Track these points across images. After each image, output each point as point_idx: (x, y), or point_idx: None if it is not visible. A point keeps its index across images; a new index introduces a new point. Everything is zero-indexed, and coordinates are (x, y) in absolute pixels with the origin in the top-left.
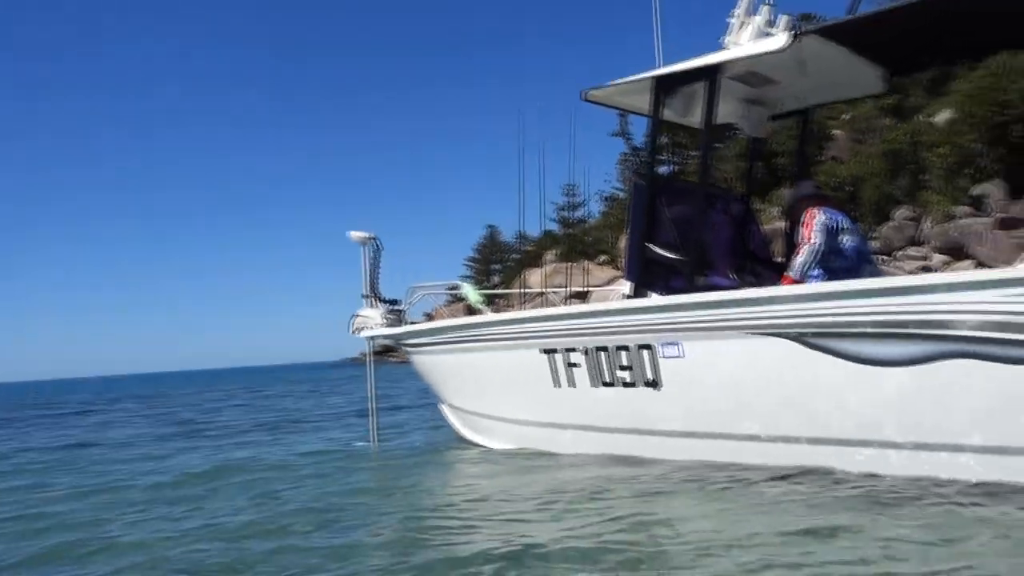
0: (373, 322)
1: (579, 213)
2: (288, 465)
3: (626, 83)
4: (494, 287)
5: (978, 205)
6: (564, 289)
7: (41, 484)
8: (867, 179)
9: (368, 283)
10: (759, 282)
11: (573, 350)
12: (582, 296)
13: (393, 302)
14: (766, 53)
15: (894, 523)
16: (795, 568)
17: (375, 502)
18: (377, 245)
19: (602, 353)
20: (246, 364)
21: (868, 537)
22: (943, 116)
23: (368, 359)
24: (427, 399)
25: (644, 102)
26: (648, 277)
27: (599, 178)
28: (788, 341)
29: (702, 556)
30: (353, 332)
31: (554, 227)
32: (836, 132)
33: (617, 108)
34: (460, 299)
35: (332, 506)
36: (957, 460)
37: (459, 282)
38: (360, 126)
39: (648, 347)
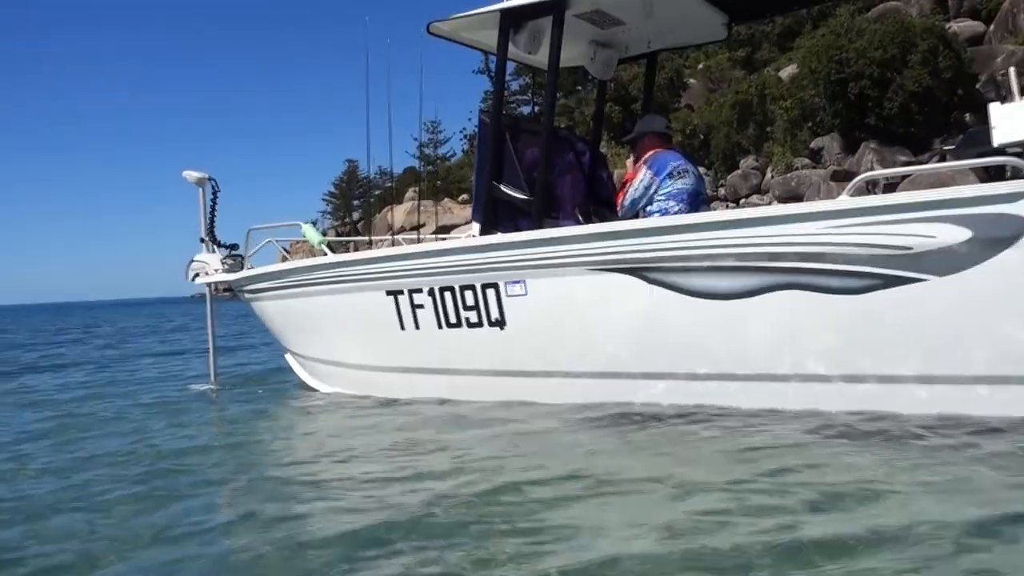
0: (211, 267)
1: (442, 151)
2: (126, 410)
3: (471, 16)
4: (355, 223)
5: (816, 158)
6: (415, 235)
7: None
8: (718, 128)
9: (205, 226)
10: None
11: (418, 291)
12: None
13: (232, 247)
14: None
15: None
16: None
17: (211, 452)
18: (214, 186)
19: (447, 293)
20: (85, 298)
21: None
22: (788, 71)
23: (208, 305)
24: (268, 340)
25: (488, 38)
26: (495, 217)
27: (463, 116)
28: (627, 276)
29: (558, 504)
30: (191, 279)
31: (416, 164)
32: (691, 81)
33: (464, 44)
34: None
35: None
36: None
37: (299, 223)
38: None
39: (493, 285)
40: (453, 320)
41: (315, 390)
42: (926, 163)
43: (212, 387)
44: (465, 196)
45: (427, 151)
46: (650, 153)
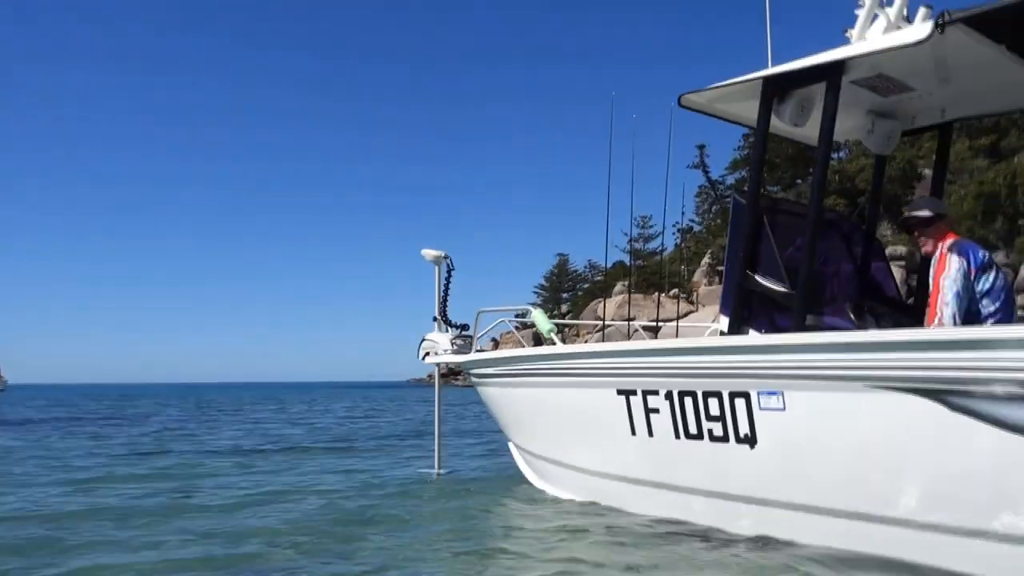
0: (441, 347)
1: (652, 245)
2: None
3: (730, 85)
4: (563, 316)
5: None
6: (636, 321)
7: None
8: (960, 222)
9: (439, 305)
10: (883, 326)
11: (654, 393)
12: (654, 330)
13: (463, 327)
14: (902, 46)
15: None
16: None
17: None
18: (449, 265)
19: (688, 399)
20: (310, 379)
21: None
22: None
23: (436, 385)
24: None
25: (747, 110)
26: (748, 312)
27: (675, 211)
28: (922, 399)
29: None
30: (421, 358)
31: (625, 258)
32: (926, 172)
33: (719, 117)
34: (529, 326)
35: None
36: None
37: (529, 307)
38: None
39: (743, 395)
40: (693, 430)
41: (537, 488)
42: None
43: (438, 472)
44: (676, 291)
45: (636, 245)
46: (952, 239)
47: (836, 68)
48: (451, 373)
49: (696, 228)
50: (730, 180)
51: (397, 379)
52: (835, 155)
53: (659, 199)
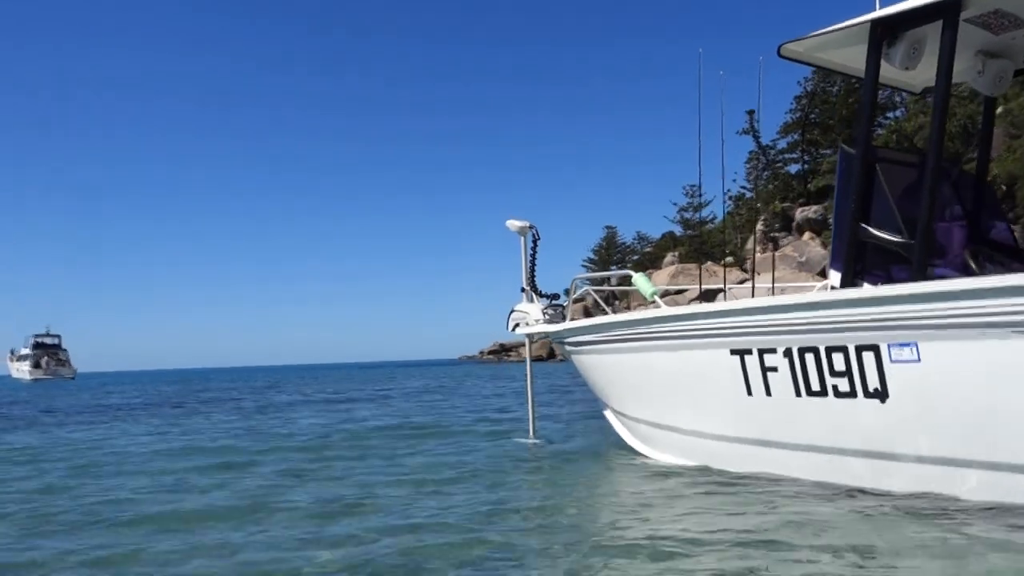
0: (532, 317)
1: (703, 214)
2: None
3: (836, 30)
4: (613, 289)
5: None
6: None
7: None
8: (1023, 178)
9: (527, 275)
10: (1003, 272)
11: (771, 351)
12: (710, 297)
13: (554, 296)
14: None
15: None
16: None
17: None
18: (535, 234)
19: (809, 355)
20: (358, 360)
21: None
22: None
23: (528, 358)
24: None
25: (852, 57)
26: (862, 265)
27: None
28: None
29: None
30: (511, 329)
31: (676, 229)
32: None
33: (818, 66)
34: (579, 299)
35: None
36: None
37: (631, 272)
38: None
39: (872, 348)
40: (816, 387)
41: (636, 450)
42: None
43: (533, 442)
44: (729, 258)
45: (686, 215)
46: None
47: (953, 5)
48: (502, 350)
49: (748, 195)
50: (781, 144)
51: (448, 356)
52: (892, 114)
53: (709, 166)
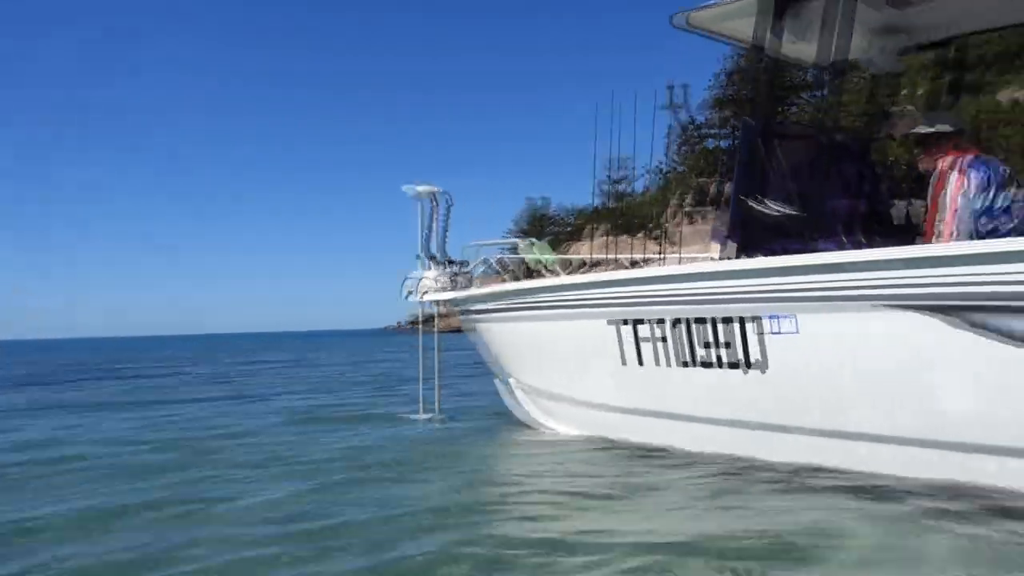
0: (435, 285)
1: (625, 188)
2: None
3: (732, 2)
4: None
5: None
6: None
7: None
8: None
9: (428, 242)
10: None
11: (660, 321)
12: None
13: (461, 263)
14: None
15: None
16: None
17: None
18: (448, 200)
19: (694, 325)
20: (279, 329)
21: None
22: (1007, 94)
23: (435, 325)
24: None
25: (748, 27)
26: (754, 237)
27: (648, 153)
28: (937, 316)
29: None
30: (407, 295)
31: (598, 202)
32: (908, 107)
33: (714, 37)
34: (507, 269)
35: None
36: None
37: (527, 240)
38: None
39: (754, 319)
40: (701, 358)
41: (529, 421)
42: None
43: (434, 416)
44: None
45: (609, 187)
46: (972, 155)
47: None
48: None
49: (667, 170)
50: (700, 120)
51: (372, 327)
52: (815, 94)
53: (632, 141)
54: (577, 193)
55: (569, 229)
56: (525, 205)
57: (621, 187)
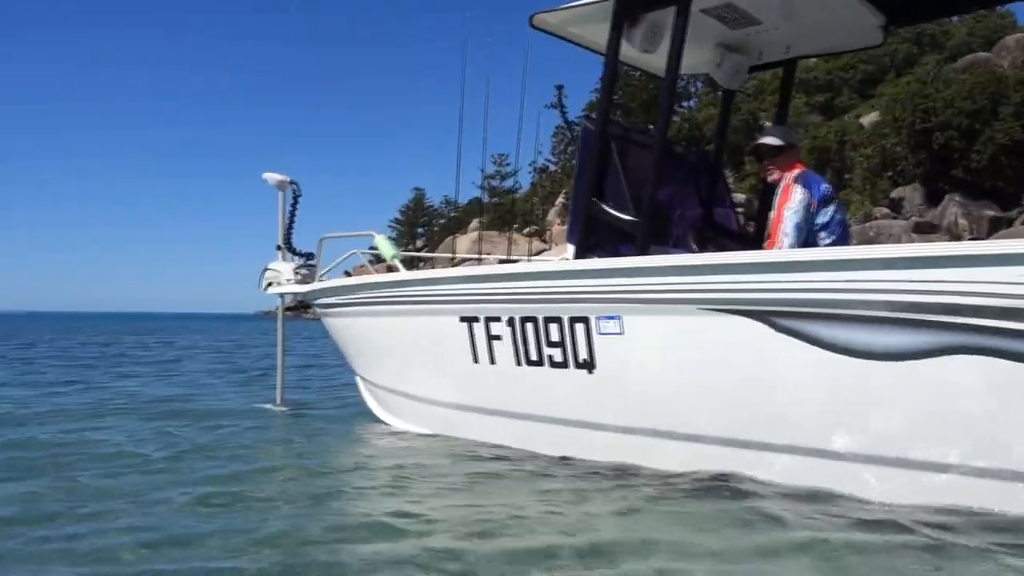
0: (284, 277)
1: (508, 183)
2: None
3: (583, 5)
4: (419, 251)
5: (896, 208)
6: (492, 256)
7: None
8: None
9: (283, 233)
10: None
11: (496, 320)
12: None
13: (308, 255)
14: None
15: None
16: None
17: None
18: (295, 191)
19: (529, 325)
20: (159, 310)
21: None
22: (870, 118)
23: (279, 317)
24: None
25: (601, 34)
26: (594, 241)
27: (532, 150)
28: (750, 320)
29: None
30: (263, 289)
31: (482, 196)
32: (767, 123)
33: (570, 41)
34: (382, 260)
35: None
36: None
37: (373, 232)
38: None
39: (583, 320)
40: (534, 357)
41: (378, 418)
42: (1016, 219)
43: (277, 407)
44: (532, 228)
45: (493, 183)
46: (799, 170)
47: None
48: (301, 306)
49: (552, 168)
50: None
51: (244, 311)
52: (685, 104)
53: (515, 137)
54: (466, 187)
55: (443, 221)
56: (413, 195)
57: (508, 183)
